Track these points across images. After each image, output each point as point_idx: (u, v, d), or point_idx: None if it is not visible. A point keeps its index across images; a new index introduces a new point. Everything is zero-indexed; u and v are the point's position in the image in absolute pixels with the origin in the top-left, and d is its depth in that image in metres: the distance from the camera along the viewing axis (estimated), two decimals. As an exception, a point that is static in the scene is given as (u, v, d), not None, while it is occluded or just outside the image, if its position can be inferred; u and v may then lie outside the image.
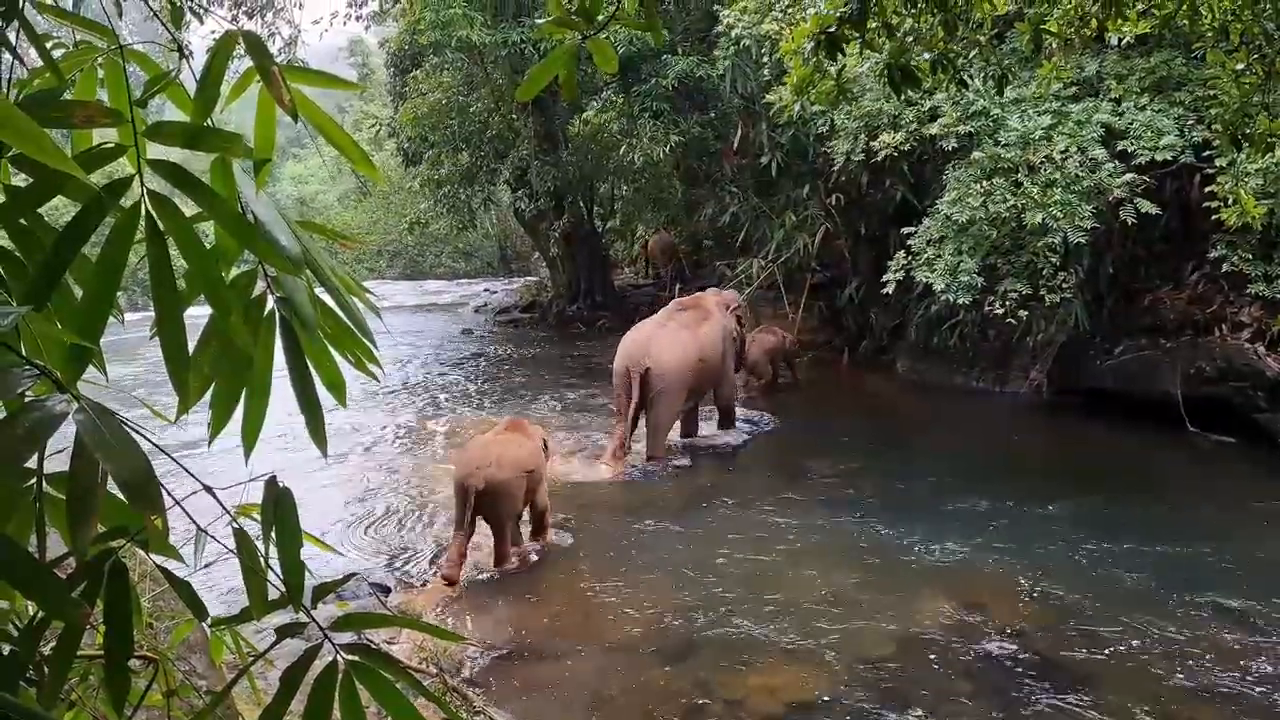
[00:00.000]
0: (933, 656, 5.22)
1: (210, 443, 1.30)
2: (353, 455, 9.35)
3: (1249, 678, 4.96)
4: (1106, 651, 5.24)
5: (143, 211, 1.14)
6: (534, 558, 6.78)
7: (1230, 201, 6.85)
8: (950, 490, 8.10)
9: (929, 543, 6.80)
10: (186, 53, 1.62)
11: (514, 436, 6.65)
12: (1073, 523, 7.19)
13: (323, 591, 1.40)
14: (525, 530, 6.92)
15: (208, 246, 1.24)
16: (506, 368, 14.71)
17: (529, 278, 25.90)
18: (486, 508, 6.27)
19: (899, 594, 6.00)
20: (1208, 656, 5.16)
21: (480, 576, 6.39)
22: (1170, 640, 5.34)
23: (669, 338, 9.30)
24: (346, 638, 1.33)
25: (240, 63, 1.38)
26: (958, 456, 9.41)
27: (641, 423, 9.23)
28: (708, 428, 10.24)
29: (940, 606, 5.80)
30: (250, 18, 15.61)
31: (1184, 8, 4.77)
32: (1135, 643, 5.32)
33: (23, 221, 1.28)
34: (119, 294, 1.22)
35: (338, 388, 1.39)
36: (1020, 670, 5.08)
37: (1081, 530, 7.01)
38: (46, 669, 1.25)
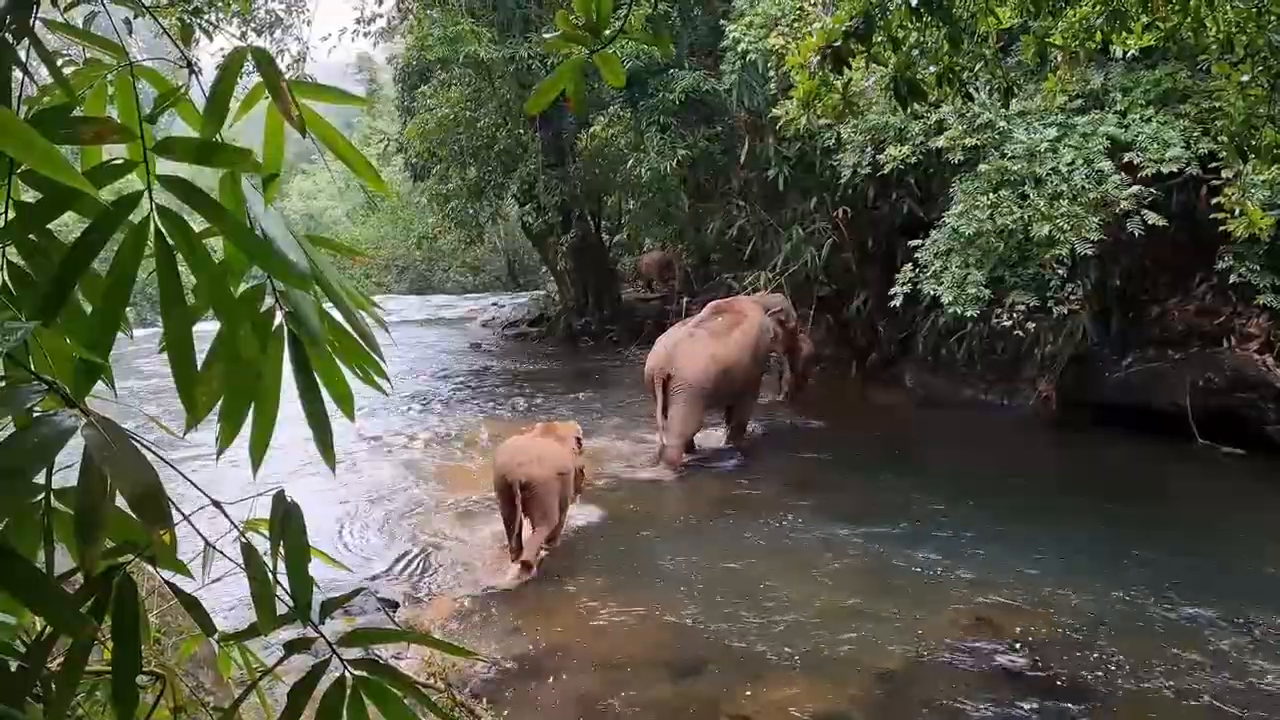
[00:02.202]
0: (943, 670, 5.20)
1: (218, 457, 1.30)
2: (361, 468, 9.35)
3: (1263, 695, 4.91)
4: (1116, 666, 5.20)
5: (152, 227, 1.14)
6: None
7: (1237, 213, 6.82)
8: (958, 503, 8.07)
9: (938, 556, 6.77)
10: (196, 69, 1.63)
11: (549, 439, 7.00)
12: (1082, 536, 7.16)
13: (330, 606, 1.40)
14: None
15: (216, 261, 1.24)
16: (514, 381, 14.70)
17: (537, 292, 25.91)
18: (525, 503, 6.53)
19: (909, 607, 5.97)
20: (1221, 672, 5.12)
21: (487, 591, 6.38)
22: (1182, 655, 5.30)
23: (694, 346, 9.42)
24: (354, 653, 1.33)
25: (249, 79, 1.39)
26: (966, 469, 9.38)
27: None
28: (716, 437, 10.25)
29: (950, 620, 5.77)
30: (259, 35, 15.68)
31: (1189, 20, 4.77)
32: (1146, 657, 5.28)
33: (33, 237, 1.28)
34: (128, 309, 1.23)
35: (345, 401, 1.39)
36: (1030, 685, 5.05)
37: (1091, 544, 6.97)
38: (54, 685, 1.25)
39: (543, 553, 6.76)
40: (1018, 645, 5.44)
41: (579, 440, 7.32)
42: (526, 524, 6.67)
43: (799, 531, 7.40)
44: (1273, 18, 4.69)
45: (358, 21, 17.85)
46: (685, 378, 9.19)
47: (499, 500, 6.70)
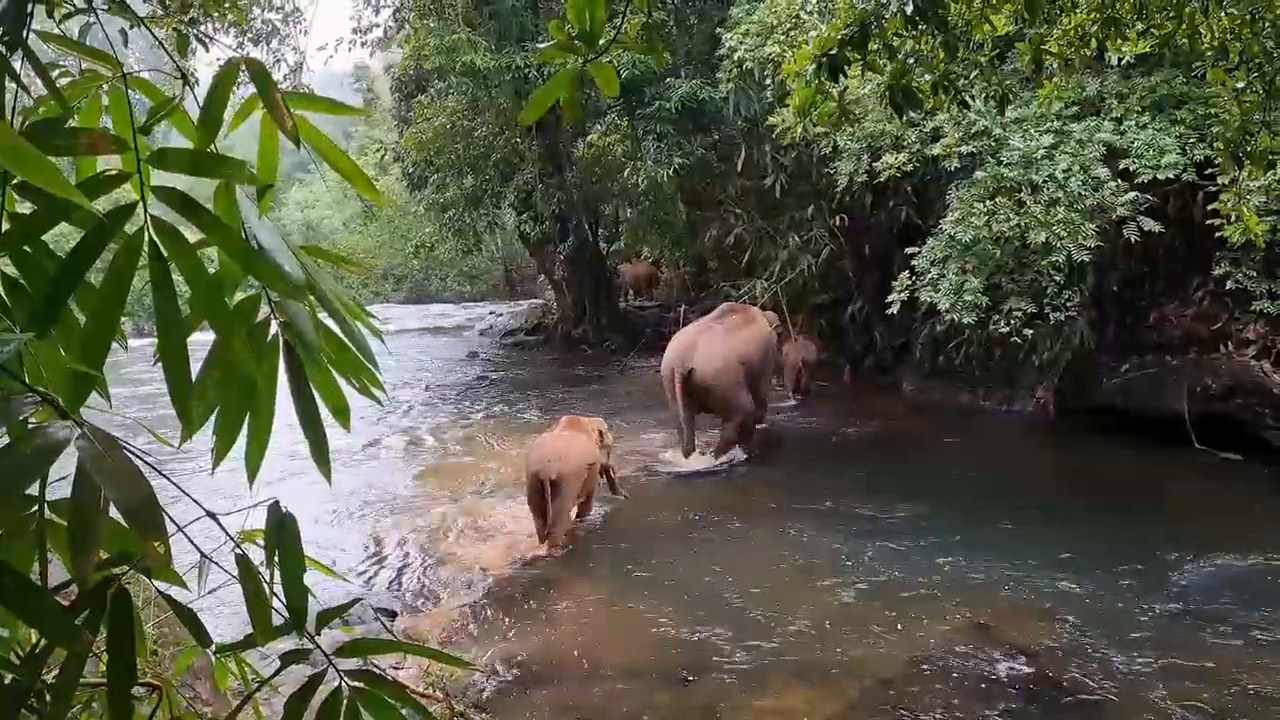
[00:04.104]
0: (943, 677, 5.18)
1: (214, 468, 1.30)
2: (359, 475, 9.34)
3: (1263, 703, 4.90)
4: (1116, 672, 5.19)
5: (146, 237, 1.14)
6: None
7: (1233, 219, 6.85)
8: (957, 510, 8.06)
9: (937, 562, 6.77)
10: (192, 80, 1.63)
11: (575, 433, 7.59)
12: (1081, 542, 7.14)
13: (326, 617, 1.40)
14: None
15: (211, 272, 1.24)
16: (512, 389, 14.71)
17: (534, 300, 25.98)
18: (555, 495, 7.08)
19: (907, 614, 5.96)
20: (1222, 679, 5.10)
21: (486, 599, 6.37)
22: (1181, 661, 5.29)
23: (711, 340, 9.74)
24: (351, 663, 1.33)
25: (247, 89, 1.39)
26: (965, 476, 9.38)
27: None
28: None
29: (949, 627, 5.76)
30: (256, 45, 15.72)
31: (1183, 27, 4.79)
32: (1145, 663, 5.28)
33: (27, 248, 1.28)
34: (124, 319, 1.23)
35: (342, 412, 1.39)
36: (1030, 692, 5.04)
37: (1090, 550, 6.96)
38: (49, 697, 1.24)
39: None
40: (1017, 652, 5.43)
41: (602, 434, 7.85)
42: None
43: (796, 537, 7.39)
44: (1267, 24, 4.71)
45: (354, 31, 17.91)
46: (706, 372, 9.45)
47: (530, 492, 7.22)
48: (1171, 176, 8.94)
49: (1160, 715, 4.79)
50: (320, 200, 38.32)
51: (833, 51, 4.18)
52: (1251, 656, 5.34)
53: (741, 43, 11.67)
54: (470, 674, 5.18)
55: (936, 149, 9.90)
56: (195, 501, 1.41)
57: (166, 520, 1.10)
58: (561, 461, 7.12)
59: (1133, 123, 9.39)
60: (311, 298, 1.27)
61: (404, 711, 1.32)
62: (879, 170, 10.38)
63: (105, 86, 1.49)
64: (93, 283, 1.22)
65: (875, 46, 4.24)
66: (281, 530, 1.29)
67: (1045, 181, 9.19)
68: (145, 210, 1.15)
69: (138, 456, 1.08)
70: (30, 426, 1.05)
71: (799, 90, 4.75)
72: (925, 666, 5.30)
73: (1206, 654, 5.37)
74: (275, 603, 1.31)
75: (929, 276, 9.76)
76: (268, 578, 1.30)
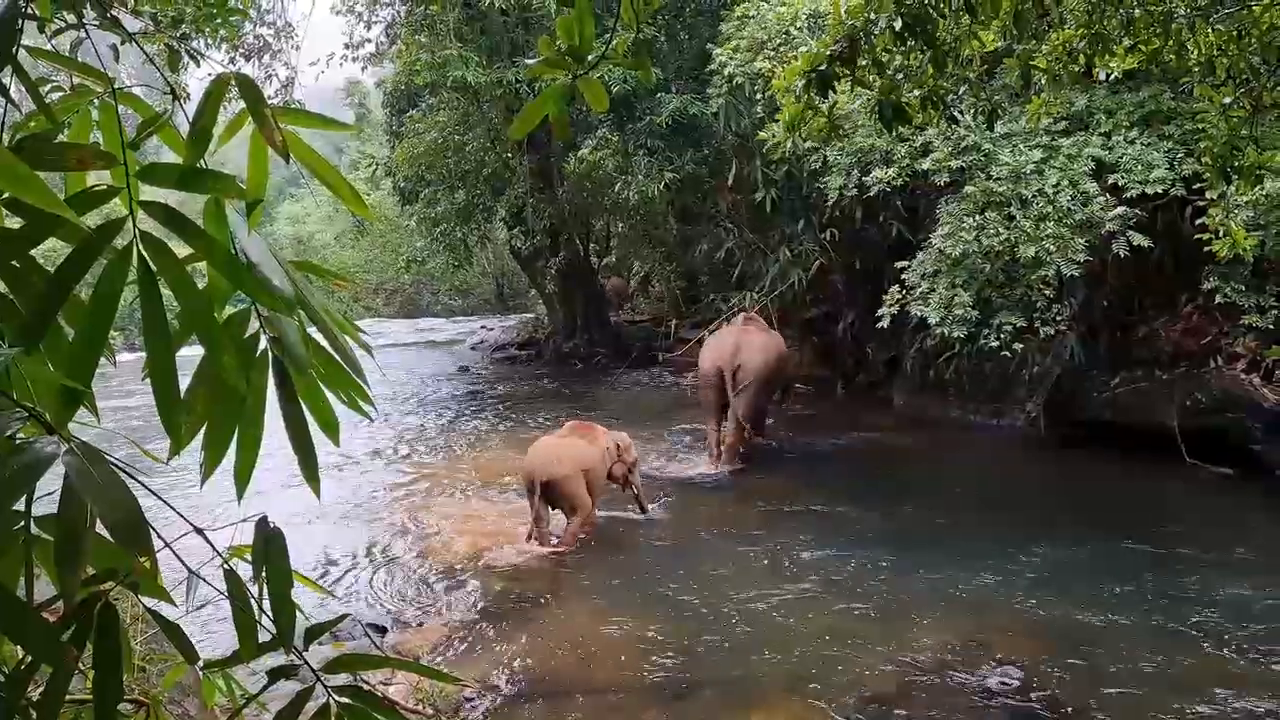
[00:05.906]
0: (933, 691, 5.17)
1: (203, 484, 1.30)
2: (348, 487, 9.30)
3: (1255, 714, 4.91)
4: (1106, 685, 5.19)
5: (135, 253, 1.14)
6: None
7: (1221, 233, 6.88)
8: (949, 524, 8.06)
9: (928, 577, 6.76)
10: (184, 95, 1.64)
11: (575, 438, 7.66)
12: (1071, 556, 7.15)
13: (315, 633, 1.39)
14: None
15: (201, 287, 1.24)
16: (503, 403, 14.69)
17: (525, 315, 25.98)
18: (550, 499, 7.27)
19: (899, 628, 5.95)
20: (1210, 690, 5.10)
21: (477, 614, 6.34)
22: (1171, 674, 5.29)
23: (751, 340, 10.24)
24: (341, 679, 1.32)
25: (237, 104, 1.39)
26: (956, 489, 9.39)
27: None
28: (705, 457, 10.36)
29: (941, 641, 5.75)
30: (248, 60, 15.75)
31: (1170, 43, 4.83)
32: (1136, 677, 5.27)
33: (15, 263, 1.28)
34: (115, 333, 1.23)
35: (331, 428, 1.39)
36: (1023, 706, 5.03)
37: (1080, 564, 6.97)
38: (34, 714, 1.24)
39: (582, 535, 7.51)
40: (1010, 666, 5.42)
41: (620, 447, 7.88)
42: (558, 515, 7.48)
43: (789, 552, 7.38)
44: (1253, 40, 4.75)
45: (346, 47, 17.96)
46: (753, 366, 9.95)
47: (528, 494, 7.33)
48: (1160, 191, 9.00)
49: (1152, 729, 4.78)
50: (311, 215, 38.29)
51: (822, 67, 4.20)
52: (1241, 671, 5.35)
53: (732, 58, 11.73)
54: (461, 690, 5.15)
55: (926, 164, 9.95)
56: (183, 517, 1.40)
57: (154, 536, 1.10)
58: (555, 464, 7.18)
59: (1121, 138, 9.45)
60: (301, 313, 1.27)
61: (393, 728, 1.31)
62: (869, 185, 10.42)
63: (96, 102, 1.49)
64: (81, 298, 1.22)
65: (864, 62, 4.27)
66: (269, 546, 1.28)
67: (1034, 196, 9.23)
68: (134, 225, 1.15)
69: (125, 472, 1.07)
70: (17, 442, 1.04)
71: (789, 105, 4.76)
72: (916, 680, 5.30)
73: (1197, 667, 5.37)
74: (263, 619, 1.30)
75: (919, 290, 9.79)
76: (256, 593, 1.30)
